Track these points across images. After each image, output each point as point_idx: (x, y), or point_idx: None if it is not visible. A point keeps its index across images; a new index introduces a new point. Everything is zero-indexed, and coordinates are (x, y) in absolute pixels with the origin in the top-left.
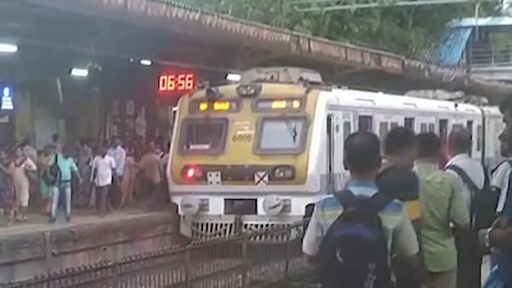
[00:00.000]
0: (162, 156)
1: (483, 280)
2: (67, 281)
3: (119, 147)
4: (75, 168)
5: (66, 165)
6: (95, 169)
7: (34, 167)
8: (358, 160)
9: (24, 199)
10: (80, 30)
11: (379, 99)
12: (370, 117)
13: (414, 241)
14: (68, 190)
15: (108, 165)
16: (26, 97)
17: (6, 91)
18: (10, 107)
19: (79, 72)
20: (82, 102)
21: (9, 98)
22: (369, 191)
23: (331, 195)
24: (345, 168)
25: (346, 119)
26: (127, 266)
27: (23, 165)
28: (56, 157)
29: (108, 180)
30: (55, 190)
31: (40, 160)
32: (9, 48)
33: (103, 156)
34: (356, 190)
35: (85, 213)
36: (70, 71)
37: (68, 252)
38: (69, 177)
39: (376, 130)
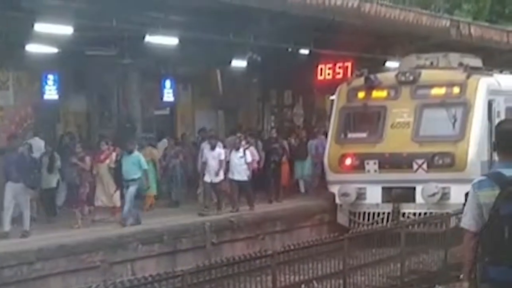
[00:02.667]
0: None
1: None
2: (227, 270)
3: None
4: (144, 166)
5: (129, 162)
6: (204, 163)
7: None
8: (508, 144)
9: (104, 199)
10: (240, 21)
11: None
12: None
13: None
14: (131, 190)
15: (217, 158)
16: (187, 89)
17: (168, 83)
18: (171, 99)
19: (239, 63)
20: (241, 92)
21: (170, 90)
22: None
23: (483, 177)
24: (494, 150)
25: (508, 104)
26: (285, 255)
27: (107, 161)
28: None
29: (221, 176)
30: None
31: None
32: (171, 41)
33: (213, 148)
34: (506, 171)
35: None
36: (230, 62)
37: (227, 241)
38: (134, 176)
39: None
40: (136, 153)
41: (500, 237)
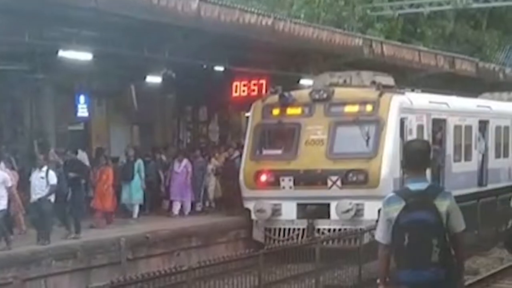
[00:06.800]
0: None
1: None
2: (142, 286)
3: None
4: None
5: None
6: None
7: None
8: (415, 162)
9: None
10: (154, 38)
11: (453, 101)
12: (444, 120)
13: (461, 221)
14: None
15: (1, 183)
16: (101, 104)
17: (82, 98)
18: (86, 114)
19: (153, 79)
20: (156, 108)
21: (85, 106)
22: (423, 185)
23: (392, 194)
24: (402, 167)
25: (419, 122)
26: (201, 271)
27: None
28: None
29: (2, 204)
30: None
31: None
32: (85, 56)
33: None
34: (412, 186)
35: None
36: (145, 78)
37: (143, 257)
38: None
39: (450, 133)
40: None
41: (401, 244)
